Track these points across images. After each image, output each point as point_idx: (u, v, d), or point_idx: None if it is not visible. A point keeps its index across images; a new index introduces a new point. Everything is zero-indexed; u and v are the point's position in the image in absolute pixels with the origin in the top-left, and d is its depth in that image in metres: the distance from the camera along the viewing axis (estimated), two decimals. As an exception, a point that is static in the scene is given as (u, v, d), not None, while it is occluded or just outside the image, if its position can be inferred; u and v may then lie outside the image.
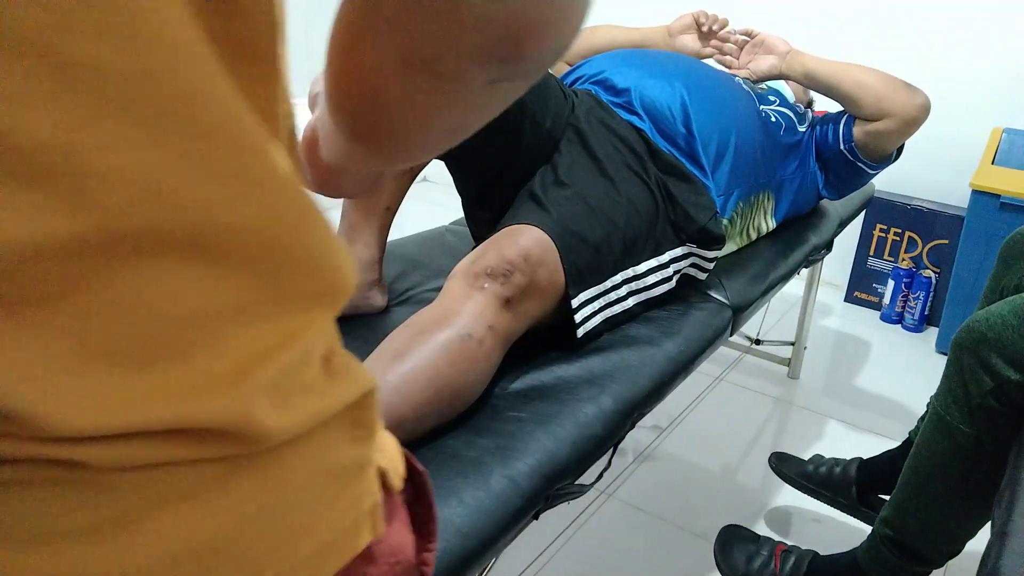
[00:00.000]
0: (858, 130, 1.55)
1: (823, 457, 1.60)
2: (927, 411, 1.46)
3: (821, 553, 1.34)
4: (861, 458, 1.53)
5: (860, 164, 1.60)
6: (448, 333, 0.92)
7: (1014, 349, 1.00)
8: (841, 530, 1.60)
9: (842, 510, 1.53)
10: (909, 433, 1.49)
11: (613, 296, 1.15)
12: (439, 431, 0.91)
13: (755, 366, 2.26)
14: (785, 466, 1.62)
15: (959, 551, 1.17)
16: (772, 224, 1.56)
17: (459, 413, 0.93)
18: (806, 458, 1.63)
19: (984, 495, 1.07)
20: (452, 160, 1.27)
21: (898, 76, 1.52)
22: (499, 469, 0.86)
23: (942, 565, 1.19)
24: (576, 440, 0.94)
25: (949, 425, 1.09)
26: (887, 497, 1.48)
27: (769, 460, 1.66)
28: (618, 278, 1.15)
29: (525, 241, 1.03)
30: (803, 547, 1.36)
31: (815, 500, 1.64)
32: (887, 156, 1.60)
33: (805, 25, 2.60)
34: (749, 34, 1.59)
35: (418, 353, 0.89)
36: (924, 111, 1.49)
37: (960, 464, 1.09)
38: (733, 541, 1.41)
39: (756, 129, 1.46)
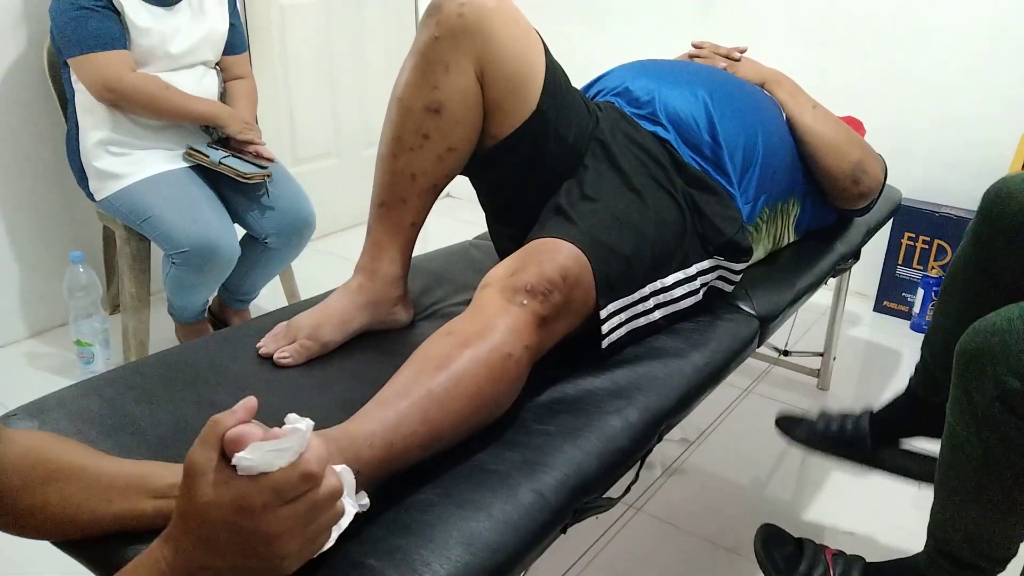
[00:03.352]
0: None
1: (830, 413, 1.57)
2: (918, 363, 1.44)
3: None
4: (870, 411, 1.51)
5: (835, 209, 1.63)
6: (489, 350, 0.91)
7: (1018, 356, 0.97)
8: (877, 543, 1.57)
9: (860, 462, 1.51)
10: (909, 380, 1.46)
11: (640, 308, 1.14)
12: (467, 445, 0.91)
13: (784, 377, 2.23)
14: (794, 429, 1.59)
15: (1013, 555, 1.13)
16: (793, 234, 1.55)
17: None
18: (813, 419, 1.60)
19: (1011, 504, 1.04)
20: (475, 175, 1.28)
21: (864, 141, 1.54)
22: (527, 483, 0.85)
23: (1000, 571, 1.15)
24: (603, 453, 0.93)
25: (959, 436, 1.06)
26: (902, 449, 1.46)
27: (776, 423, 1.62)
28: (646, 290, 1.14)
29: (563, 259, 1.02)
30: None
31: (847, 513, 1.61)
32: (853, 210, 1.63)
33: (829, 29, 2.59)
34: (740, 50, 1.65)
35: (461, 366, 0.89)
36: (863, 199, 1.56)
37: (976, 476, 1.06)
38: (772, 542, 1.37)
39: (782, 133, 1.45)
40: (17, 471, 0.75)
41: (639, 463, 1.02)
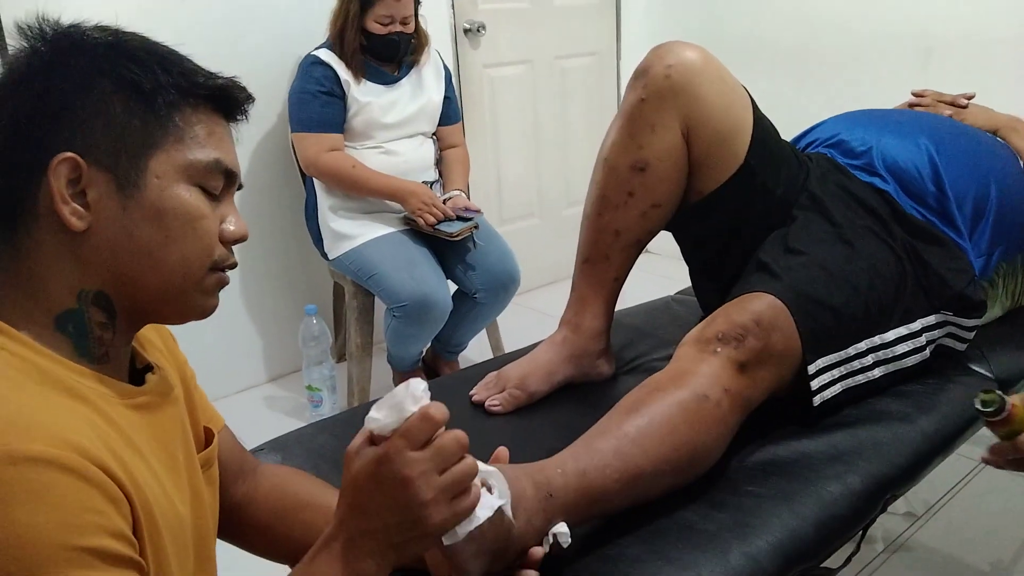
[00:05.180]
0: None
1: None
2: None
3: None
4: None
5: None
6: (683, 392, 0.92)
7: None
8: None
9: None
10: None
11: (856, 365, 1.08)
12: (676, 502, 0.90)
13: (1029, 451, 1.98)
14: None
15: None
16: None
17: (696, 481, 0.92)
18: None
19: None
20: (680, 230, 1.28)
21: None
22: (738, 545, 0.83)
23: None
24: (820, 520, 0.89)
25: None
26: None
27: None
28: (863, 346, 1.08)
29: (756, 306, 1.01)
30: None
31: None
32: None
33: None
34: (968, 97, 1.52)
35: (654, 408, 0.91)
36: None
37: None
38: None
39: (1019, 184, 1.32)
40: (268, 501, 0.85)
41: (860, 533, 0.96)
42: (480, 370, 1.27)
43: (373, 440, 0.64)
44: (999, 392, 0.82)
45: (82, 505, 0.51)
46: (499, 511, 0.70)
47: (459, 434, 0.64)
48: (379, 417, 0.63)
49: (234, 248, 0.67)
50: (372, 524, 0.63)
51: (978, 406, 0.83)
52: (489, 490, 0.71)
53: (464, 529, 0.66)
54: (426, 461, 0.62)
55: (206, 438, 0.77)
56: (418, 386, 0.64)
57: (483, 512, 0.67)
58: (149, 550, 0.57)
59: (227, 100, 0.65)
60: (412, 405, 0.63)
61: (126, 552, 0.53)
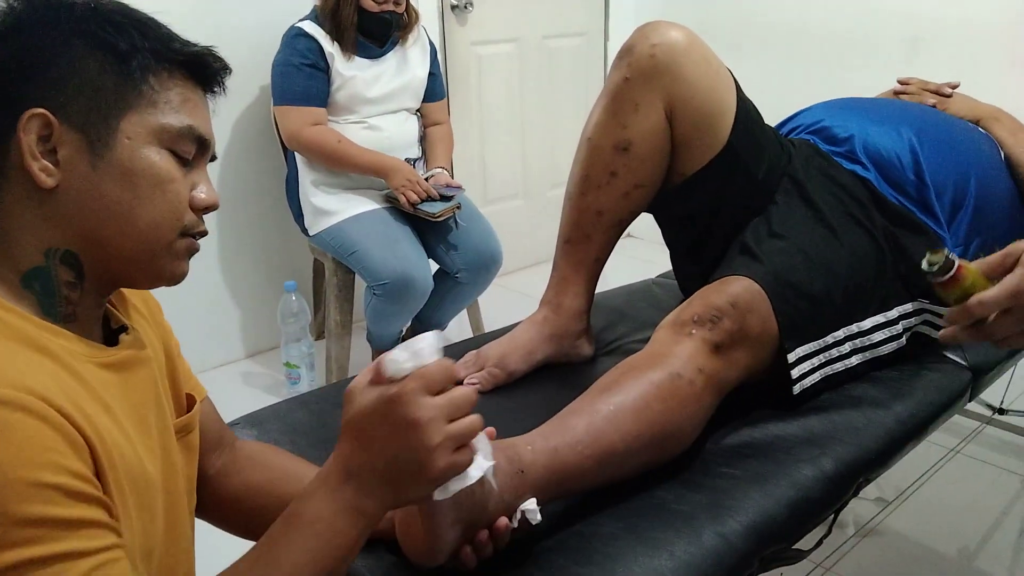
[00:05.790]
0: None
1: None
2: None
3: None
4: None
5: None
6: (657, 372, 0.93)
7: None
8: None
9: None
10: None
11: (835, 352, 1.09)
12: (650, 482, 0.90)
13: (998, 439, 2.02)
14: None
15: None
16: None
17: (670, 461, 0.93)
18: None
19: None
20: (662, 212, 1.28)
21: None
22: (711, 525, 0.84)
23: None
24: (793, 502, 0.90)
25: None
26: None
27: None
28: (840, 334, 1.09)
29: (733, 288, 1.02)
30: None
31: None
32: None
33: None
34: (952, 86, 1.52)
35: (627, 386, 0.91)
36: None
37: None
38: None
39: (1000, 173, 1.33)
40: (244, 474, 0.84)
41: (832, 517, 0.97)
42: (460, 348, 1.26)
43: (378, 381, 0.64)
44: (946, 250, 0.79)
45: (43, 444, 0.51)
46: (485, 478, 0.70)
47: (471, 390, 0.66)
48: (399, 359, 0.64)
49: (214, 224, 0.66)
50: (376, 461, 0.63)
51: (925, 267, 0.79)
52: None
53: (456, 485, 0.67)
54: (438, 408, 0.63)
55: (188, 405, 0.77)
56: (439, 339, 0.65)
57: (475, 472, 0.68)
58: (115, 497, 0.57)
59: (202, 68, 0.65)
60: (431, 355, 0.64)
61: (90, 490, 0.53)
